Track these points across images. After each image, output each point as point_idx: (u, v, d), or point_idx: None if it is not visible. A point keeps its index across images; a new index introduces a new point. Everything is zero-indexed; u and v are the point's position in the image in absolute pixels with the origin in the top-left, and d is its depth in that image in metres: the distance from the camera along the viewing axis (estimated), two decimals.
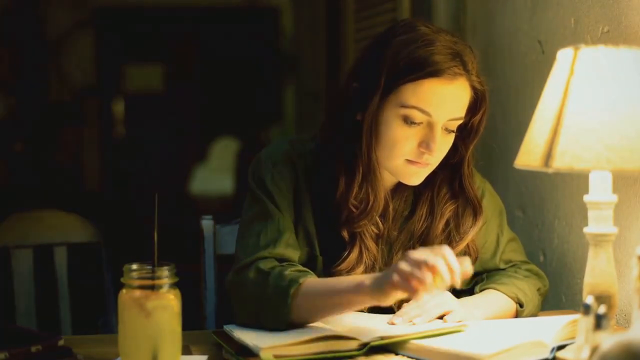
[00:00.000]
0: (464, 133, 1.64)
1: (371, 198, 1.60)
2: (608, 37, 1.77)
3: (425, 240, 1.66)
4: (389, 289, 1.38)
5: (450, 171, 1.68)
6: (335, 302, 1.48)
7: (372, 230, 1.63)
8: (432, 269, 1.33)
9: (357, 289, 1.44)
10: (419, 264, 1.34)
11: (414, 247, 1.64)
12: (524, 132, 1.47)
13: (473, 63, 1.57)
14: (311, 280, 1.51)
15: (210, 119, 7.47)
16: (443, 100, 1.53)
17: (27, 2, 6.28)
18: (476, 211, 1.67)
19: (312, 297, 1.49)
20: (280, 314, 1.49)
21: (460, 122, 1.58)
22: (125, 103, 7.26)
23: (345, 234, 1.61)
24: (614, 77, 1.37)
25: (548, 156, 1.37)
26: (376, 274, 1.44)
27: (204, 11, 7.18)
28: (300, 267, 1.57)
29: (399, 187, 1.68)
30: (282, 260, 1.58)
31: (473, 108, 1.61)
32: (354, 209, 1.60)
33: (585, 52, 1.40)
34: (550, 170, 1.37)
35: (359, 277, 1.49)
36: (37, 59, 6.39)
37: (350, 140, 1.60)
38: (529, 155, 1.42)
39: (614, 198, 1.42)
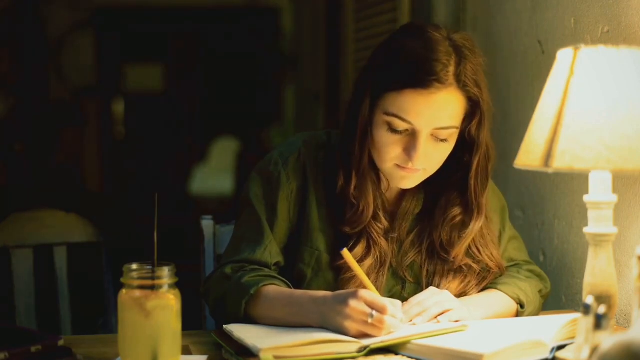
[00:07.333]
0: (467, 144, 1.62)
1: (362, 205, 1.60)
2: (608, 37, 1.77)
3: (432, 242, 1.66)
4: (340, 320, 1.42)
5: (462, 181, 1.64)
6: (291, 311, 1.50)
7: (378, 226, 1.62)
8: (380, 322, 1.40)
9: (313, 299, 1.47)
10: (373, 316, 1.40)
11: (422, 250, 1.66)
12: (524, 132, 1.47)
13: (470, 71, 1.52)
14: (268, 290, 1.53)
15: (210, 119, 7.47)
16: (424, 110, 1.50)
17: (27, 2, 6.27)
18: (478, 214, 1.64)
19: (266, 305, 1.52)
20: (236, 318, 1.53)
21: (454, 131, 1.55)
22: (125, 103, 7.26)
23: (347, 230, 1.61)
24: (614, 77, 1.37)
25: (548, 156, 1.36)
26: (338, 294, 1.47)
27: (204, 11, 7.18)
28: (266, 272, 1.58)
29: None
30: (260, 265, 1.60)
31: (470, 117, 1.59)
32: (354, 201, 1.60)
33: (585, 52, 1.39)
34: (550, 170, 1.37)
35: (320, 292, 1.52)
36: (37, 59, 6.39)
37: (350, 135, 1.60)
38: (528, 155, 1.42)
39: (614, 198, 1.42)
